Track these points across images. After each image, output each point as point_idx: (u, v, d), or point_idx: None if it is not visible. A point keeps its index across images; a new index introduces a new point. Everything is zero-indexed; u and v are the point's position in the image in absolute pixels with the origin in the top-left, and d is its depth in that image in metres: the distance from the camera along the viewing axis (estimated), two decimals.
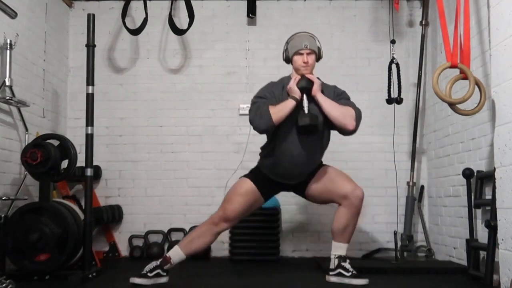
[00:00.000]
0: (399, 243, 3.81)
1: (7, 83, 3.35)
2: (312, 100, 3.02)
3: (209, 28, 4.64)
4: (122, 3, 4.43)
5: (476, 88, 2.93)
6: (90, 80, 3.34)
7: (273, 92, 3.10)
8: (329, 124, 3.07)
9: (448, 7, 3.48)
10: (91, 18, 3.37)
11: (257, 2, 4.56)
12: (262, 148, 3.21)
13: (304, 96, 2.99)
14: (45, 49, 4.11)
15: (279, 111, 2.95)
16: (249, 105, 3.10)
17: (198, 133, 4.53)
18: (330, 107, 3.00)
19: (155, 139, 4.54)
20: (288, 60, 3.15)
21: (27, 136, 3.68)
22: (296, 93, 2.99)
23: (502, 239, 2.59)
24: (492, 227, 2.84)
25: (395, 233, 3.67)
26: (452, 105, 2.96)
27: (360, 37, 4.61)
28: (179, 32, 4.39)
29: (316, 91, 3.01)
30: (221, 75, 4.58)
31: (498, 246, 2.65)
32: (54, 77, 4.30)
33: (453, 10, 3.23)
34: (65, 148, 3.35)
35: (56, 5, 4.36)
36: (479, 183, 3.31)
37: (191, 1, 4.33)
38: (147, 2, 4.36)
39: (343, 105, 3.05)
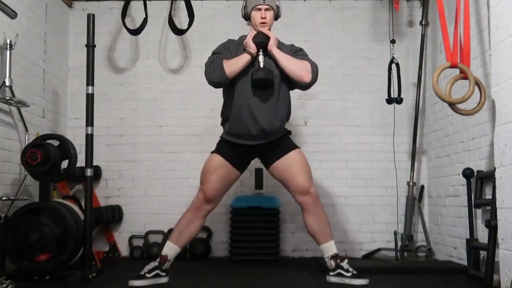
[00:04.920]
0: (399, 243, 3.81)
1: (7, 83, 3.35)
2: (268, 55, 3.02)
3: (209, 28, 4.63)
4: (122, 3, 4.42)
5: (476, 88, 2.93)
6: (90, 80, 3.34)
7: (229, 48, 3.12)
8: (286, 79, 3.06)
9: (448, 7, 3.48)
10: (91, 18, 3.37)
11: None
12: (221, 114, 3.22)
13: (260, 51, 3.00)
14: (45, 49, 4.11)
15: (233, 64, 2.99)
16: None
17: (198, 133, 4.52)
18: (286, 61, 3.00)
19: (155, 139, 4.54)
20: (247, 16, 3.15)
21: (27, 136, 3.68)
22: (252, 47, 2.99)
23: (502, 239, 2.59)
24: (492, 227, 2.84)
25: (395, 233, 3.67)
26: (452, 105, 2.96)
27: (360, 37, 4.61)
28: (179, 32, 4.39)
29: (271, 45, 3.01)
30: None
31: (498, 246, 2.65)
32: (54, 77, 4.30)
33: (453, 10, 3.23)
34: (65, 148, 3.35)
35: (56, 5, 4.36)
36: (479, 183, 3.31)
37: (191, 1, 4.33)
38: (147, 2, 4.36)
39: (300, 59, 3.06)
